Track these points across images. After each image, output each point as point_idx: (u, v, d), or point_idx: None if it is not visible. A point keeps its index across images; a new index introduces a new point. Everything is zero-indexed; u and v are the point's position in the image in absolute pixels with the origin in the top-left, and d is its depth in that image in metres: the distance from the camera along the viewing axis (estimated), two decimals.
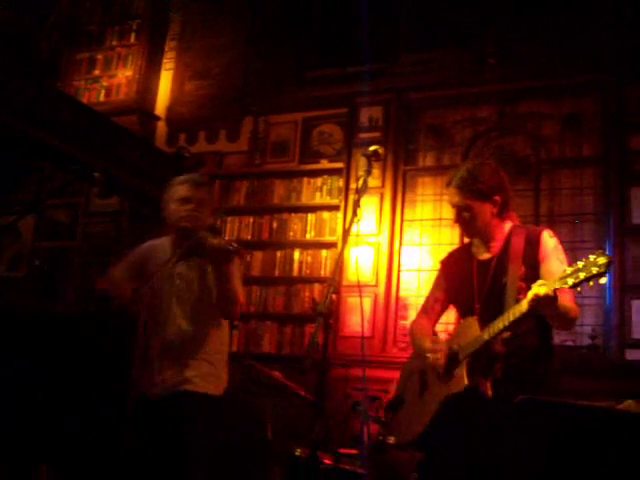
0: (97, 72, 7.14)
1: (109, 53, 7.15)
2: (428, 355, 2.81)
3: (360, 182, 2.77)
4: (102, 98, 6.98)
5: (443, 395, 2.68)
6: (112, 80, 7.02)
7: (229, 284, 3.05)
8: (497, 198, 2.82)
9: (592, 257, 2.28)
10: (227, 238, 3.19)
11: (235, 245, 2.97)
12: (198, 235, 3.06)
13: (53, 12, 7.31)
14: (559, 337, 4.76)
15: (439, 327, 3.21)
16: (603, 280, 2.27)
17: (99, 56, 7.20)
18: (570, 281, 2.31)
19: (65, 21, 7.33)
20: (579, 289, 2.34)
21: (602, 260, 2.25)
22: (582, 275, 2.28)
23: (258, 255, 6.11)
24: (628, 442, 2.04)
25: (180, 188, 3.21)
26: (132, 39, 7.10)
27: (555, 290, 2.36)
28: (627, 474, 2.03)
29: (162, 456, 2.97)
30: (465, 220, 2.86)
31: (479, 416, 2.57)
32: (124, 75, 6.97)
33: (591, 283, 2.29)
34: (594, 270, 2.25)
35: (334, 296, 2.53)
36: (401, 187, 5.72)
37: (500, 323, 2.54)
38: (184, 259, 3.16)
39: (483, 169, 2.87)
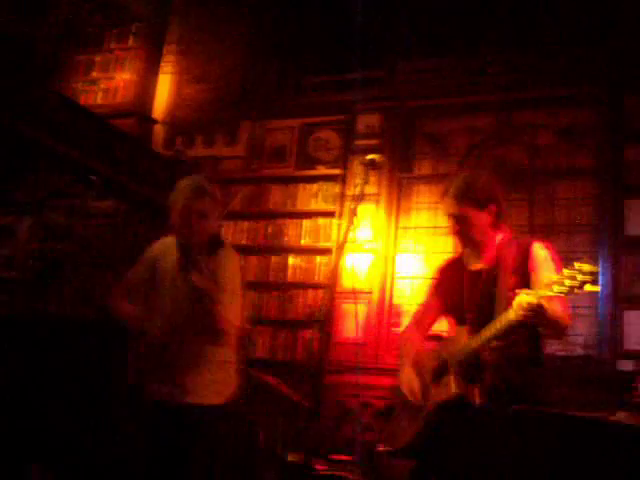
0: (95, 74, 7.15)
1: (108, 56, 7.15)
2: (405, 378, 2.85)
3: (357, 190, 2.79)
4: (100, 100, 6.98)
5: (432, 403, 2.69)
6: (110, 83, 7.03)
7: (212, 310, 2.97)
8: (492, 207, 2.83)
9: (577, 265, 2.26)
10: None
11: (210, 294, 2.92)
12: (189, 261, 3.00)
13: (52, 14, 7.31)
14: (551, 347, 4.77)
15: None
16: (595, 288, 2.26)
17: (97, 58, 7.20)
18: (555, 288, 2.30)
19: (64, 23, 7.33)
20: (567, 297, 2.34)
21: (587, 268, 2.24)
22: (567, 282, 2.26)
23: (253, 260, 6.12)
24: (619, 453, 2.06)
25: (180, 198, 3.07)
26: (131, 42, 7.10)
27: (540, 298, 2.36)
28: None
29: (161, 462, 2.96)
30: (461, 230, 2.87)
31: (468, 424, 2.58)
32: (122, 78, 6.98)
33: (576, 291, 2.27)
34: (579, 277, 2.24)
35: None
36: (397, 194, 5.74)
37: (488, 332, 2.55)
38: (182, 272, 3.07)
39: (480, 178, 2.88)
